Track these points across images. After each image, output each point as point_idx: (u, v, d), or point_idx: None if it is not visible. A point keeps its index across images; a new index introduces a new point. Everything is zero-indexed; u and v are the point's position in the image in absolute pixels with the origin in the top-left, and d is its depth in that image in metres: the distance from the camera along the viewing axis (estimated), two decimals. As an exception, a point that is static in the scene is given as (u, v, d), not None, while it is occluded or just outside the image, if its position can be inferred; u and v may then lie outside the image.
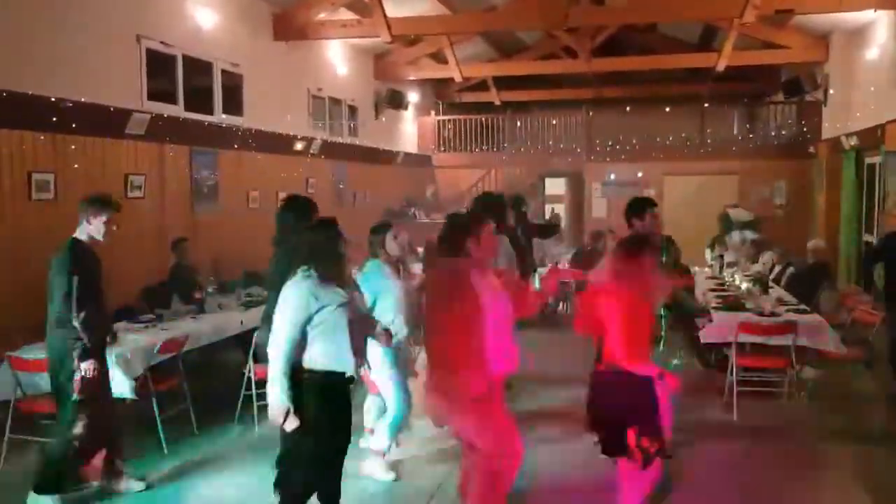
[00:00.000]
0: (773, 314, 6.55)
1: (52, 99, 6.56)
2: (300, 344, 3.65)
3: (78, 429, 4.39)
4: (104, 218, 4.47)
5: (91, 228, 4.48)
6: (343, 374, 3.75)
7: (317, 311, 3.65)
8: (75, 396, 4.34)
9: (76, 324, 4.29)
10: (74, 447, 4.45)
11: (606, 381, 3.92)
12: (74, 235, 4.50)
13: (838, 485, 5.01)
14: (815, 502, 4.70)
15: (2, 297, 6.16)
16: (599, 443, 4.01)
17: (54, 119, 6.61)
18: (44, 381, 5.09)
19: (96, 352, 4.45)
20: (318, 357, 3.68)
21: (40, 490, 4.44)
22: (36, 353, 5.21)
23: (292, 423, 3.60)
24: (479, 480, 3.70)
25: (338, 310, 3.70)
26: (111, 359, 4.90)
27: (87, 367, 4.33)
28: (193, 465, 5.22)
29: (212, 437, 5.79)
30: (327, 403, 3.71)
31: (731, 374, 6.24)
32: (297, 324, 3.63)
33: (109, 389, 4.75)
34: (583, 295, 4.28)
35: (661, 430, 3.84)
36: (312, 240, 3.84)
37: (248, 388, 5.90)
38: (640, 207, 5.71)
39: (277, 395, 3.60)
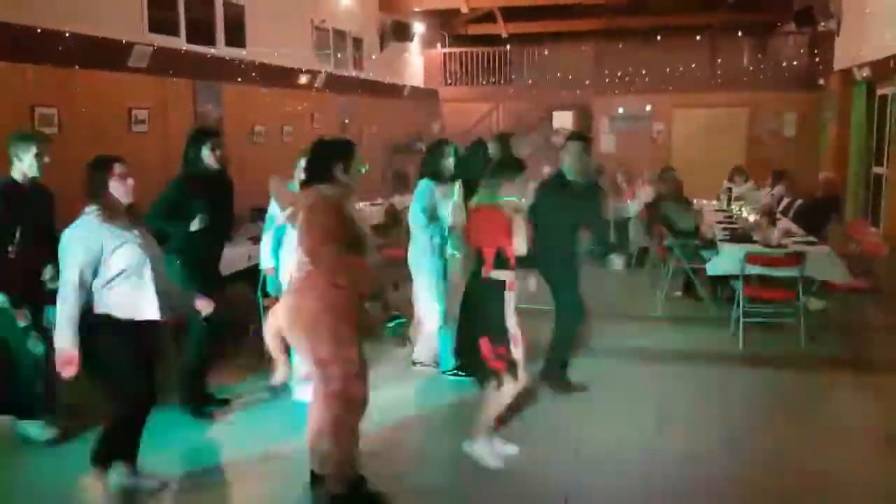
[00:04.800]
0: (780, 246, 6.55)
1: (54, 31, 6.46)
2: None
3: None
4: (34, 152, 4.38)
5: (23, 166, 4.39)
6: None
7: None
8: None
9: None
10: None
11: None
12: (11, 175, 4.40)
13: (840, 412, 5.09)
14: (818, 426, 4.77)
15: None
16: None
17: (56, 51, 6.52)
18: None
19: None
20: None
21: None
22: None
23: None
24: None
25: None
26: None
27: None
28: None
29: (222, 369, 5.86)
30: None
31: (738, 305, 6.29)
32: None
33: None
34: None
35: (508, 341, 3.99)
36: None
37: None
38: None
39: None
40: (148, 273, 3.67)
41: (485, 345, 3.96)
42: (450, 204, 5.36)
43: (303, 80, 10.93)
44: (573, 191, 5.21)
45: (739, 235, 7.12)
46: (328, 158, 3.63)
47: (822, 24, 13.02)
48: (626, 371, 5.76)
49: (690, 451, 4.38)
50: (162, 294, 3.72)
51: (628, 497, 3.94)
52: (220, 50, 9.15)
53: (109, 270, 3.57)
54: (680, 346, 6.39)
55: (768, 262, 6.26)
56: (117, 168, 3.69)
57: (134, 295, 3.64)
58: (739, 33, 16.01)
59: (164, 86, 8.05)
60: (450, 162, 5.46)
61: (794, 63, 14.89)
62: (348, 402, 3.54)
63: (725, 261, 6.50)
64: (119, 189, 3.68)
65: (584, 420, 4.80)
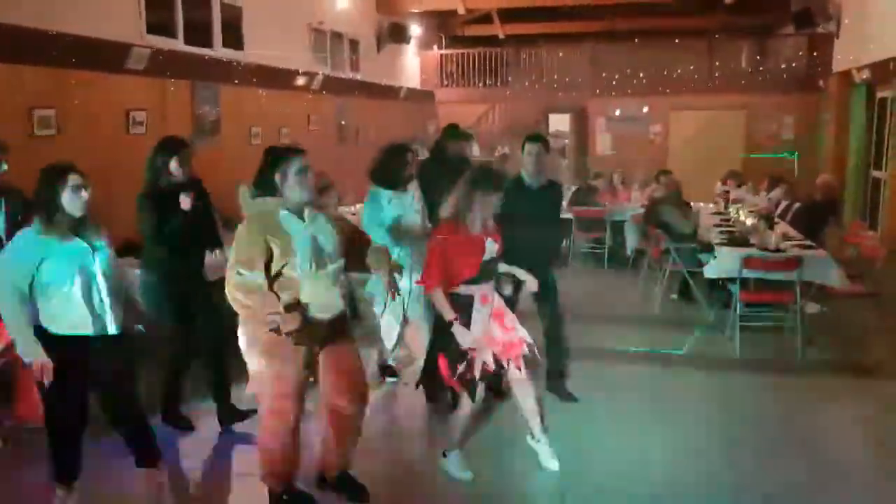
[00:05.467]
0: (777, 250, 6.54)
1: (51, 33, 6.44)
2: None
3: None
4: None
5: None
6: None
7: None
8: None
9: None
10: None
11: None
12: None
13: (838, 416, 5.09)
14: (815, 432, 4.77)
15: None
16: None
17: (54, 53, 6.50)
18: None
19: None
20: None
21: None
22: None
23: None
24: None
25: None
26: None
27: None
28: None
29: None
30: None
31: (735, 309, 6.28)
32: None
33: None
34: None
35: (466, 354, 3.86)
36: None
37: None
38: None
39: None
40: (82, 286, 3.45)
41: (442, 363, 3.89)
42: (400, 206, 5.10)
43: (300, 81, 10.91)
44: (530, 193, 5.13)
45: (737, 239, 7.12)
46: (265, 169, 3.48)
47: (821, 26, 13.02)
48: (623, 374, 5.76)
49: (686, 455, 4.38)
50: (106, 307, 3.55)
51: (624, 498, 3.94)
52: (218, 51, 9.14)
53: (43, 282, 3.41)
54: (676, 350, 6.38)
55: (765, 266, 6.25)
56: (71, 179, 3.43)
57: (68, 309, 3.45)
58: (737, 35, 16.03)
59: (162, 87, 8.03)
60: (409, 169, 5.18)
61: (793, 65, 14.90)
62: (278, 416, 3.53)
63: (722, 264, 6.49)
64: (73, 201, 3.44)
65: (581, 422, 4.81)
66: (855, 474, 4.22)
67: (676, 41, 15.78)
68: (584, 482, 4.09)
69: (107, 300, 3.54)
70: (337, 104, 12.33)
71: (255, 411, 4.54)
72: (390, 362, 5.66)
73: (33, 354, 3.41)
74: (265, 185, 3.46)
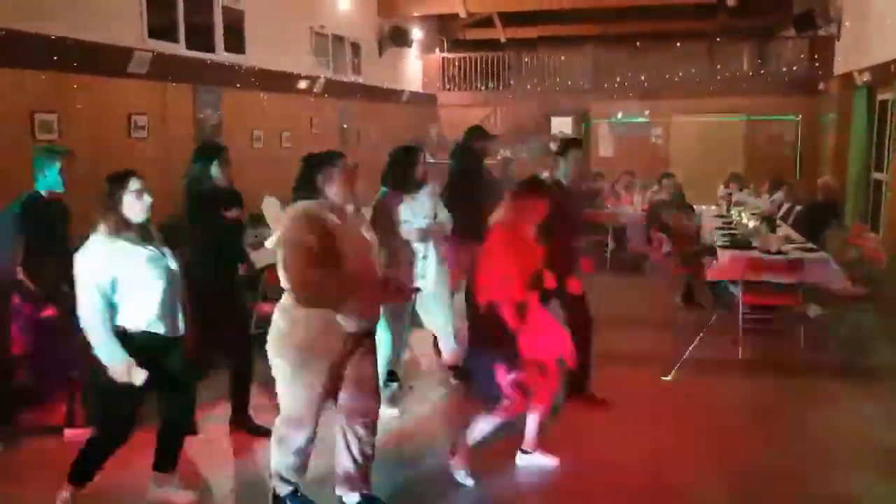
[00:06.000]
0: (779, 252, 6.54)
1: (53, 37, 6.46)
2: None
3: None
4: (58, 167, 4.48)
5: (48, 182, 4.50)
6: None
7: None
8: None
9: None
10: None
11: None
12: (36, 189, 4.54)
13: (841, 419, 5.07)
14: (817, 434, 4.77)
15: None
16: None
17: (55, 58, 6.52)
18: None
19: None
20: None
21: None
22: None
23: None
24: None
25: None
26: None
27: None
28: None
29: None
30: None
31: (737, 311, 6.27)
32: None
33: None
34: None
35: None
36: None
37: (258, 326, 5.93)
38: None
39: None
40: (159, 287, 3.54)
41: (500, 371, 3.80)
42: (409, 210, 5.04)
43: (301, 85, 10.93)
44: (571, 197, 5.12)
45: (739, 241, 7.11)
46: (308, 172, 3.52)
47: (822, 28, 13.03)
48: (624, 377, 5.74)
49: (688, 458, 4.37)
50: (175, 309, 3.65)
51: (625, 499, 3.95)
52: (220, 55, 9.15)
53: (120, 285, 3.47)
54: (678, 352, 6.37)
55: (768, 269, 6.24)
56: (132, 184, 3.51)
57: (146, 308, 3.53)
58: (738, 38, 16.05)
59: (163, 91, 8.05)
60: (419, 170, 5.14)
61: (794, 68, 14.91)
62: (296, 425, 3.55)
63: (725, 267, 6.48)
64: (134, 206, 3.51)
65: (583, 424, 4.80)
66: (857, 476, 4.21)
67: (678, 45, 15.81)
68: (586, 484, 4.09)
69: (177, 303, 3.66)
70: (339, 107, 12.35)
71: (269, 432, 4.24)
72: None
73: (117, 357, 3.46)
74: (306, 189, 3.50)
